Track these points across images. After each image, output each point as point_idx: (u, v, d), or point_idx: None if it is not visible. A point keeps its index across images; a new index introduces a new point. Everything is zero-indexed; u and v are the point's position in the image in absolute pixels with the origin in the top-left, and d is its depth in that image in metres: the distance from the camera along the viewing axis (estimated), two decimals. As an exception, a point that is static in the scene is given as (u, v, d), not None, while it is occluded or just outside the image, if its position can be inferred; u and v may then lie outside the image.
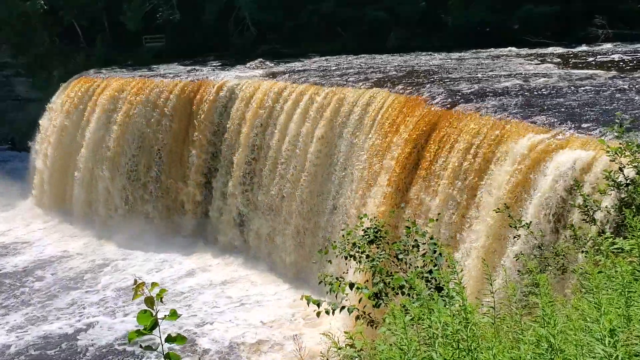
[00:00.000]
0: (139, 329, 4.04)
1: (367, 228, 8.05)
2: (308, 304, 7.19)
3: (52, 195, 33.21)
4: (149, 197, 29.44)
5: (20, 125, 42.39)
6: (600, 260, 5.87)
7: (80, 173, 31.20)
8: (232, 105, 27.17)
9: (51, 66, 42.19)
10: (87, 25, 43.83)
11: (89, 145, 30.63)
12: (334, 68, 30.90)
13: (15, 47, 43.61)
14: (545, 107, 17.50)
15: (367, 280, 7.55)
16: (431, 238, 7.81)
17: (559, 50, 32.32)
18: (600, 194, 9.87)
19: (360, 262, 7.70)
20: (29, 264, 27.38)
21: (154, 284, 4.18)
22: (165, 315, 4.10)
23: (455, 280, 5.54)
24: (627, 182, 9.18)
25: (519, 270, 11.25)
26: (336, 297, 7.27)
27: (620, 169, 9.29)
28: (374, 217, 9.27)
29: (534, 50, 32.65)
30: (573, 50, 32.06)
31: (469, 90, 21.24)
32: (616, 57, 28.08)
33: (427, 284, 7.03)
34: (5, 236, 30.83)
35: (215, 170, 27.81)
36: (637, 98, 17.92)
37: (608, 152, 9.54)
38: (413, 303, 5.25)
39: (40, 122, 35.08)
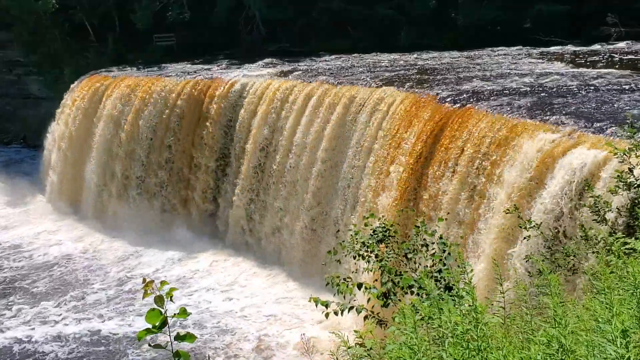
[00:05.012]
0: (149, 328, 4.03)
1: (377, 227, 8.01)
2: (316, 305, 7.16)
3: (64, 192, 33.35)
4: (160, 194, 29.54)
5: (31, 123, 42.64)
6: (611, 261, 5.83)
7: (92, 171, 31.35)
8: (242, 103, 27.20)
9: (62, 64, 42.36)
10: (97, 24, 44.00)
11: (100, 144, 30.77)
12: (343, 66, 30.84)
13: (26, 45, 43.83)
14: (557, 106, 17.38)
15: (376, 280, 7.51)
16: (440, 237, 7.76)
17: (571, 49, 32.12)
18: (611, 194, 9.79)
19: (369, 261, 7.65)
20: (39, 262, 27.51)
21: (163, 282, 4.18)
22: (174, 314, 4.10)
23: (465, 280, 5.52)
24: (638, 182, 9.10)
25: (528, 272, 11.19)
26: (344, 297, 7.24)
27: (630, 170, 9.21)
28: (383, 217, 9.24)
29: (545, 49, 32.44)
30: (585, 49, 31.82)
31: (480, 89, 21.15)
32: (629, 56, 27.88)
33: (436, 284, 6.99)
34: (17, 234, 30.97)
35: (225, 168, 27.88)
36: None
37: (616, 153, 9.46)
38: (423, 302, 5.23)
39: (51, 120, 35.28)
